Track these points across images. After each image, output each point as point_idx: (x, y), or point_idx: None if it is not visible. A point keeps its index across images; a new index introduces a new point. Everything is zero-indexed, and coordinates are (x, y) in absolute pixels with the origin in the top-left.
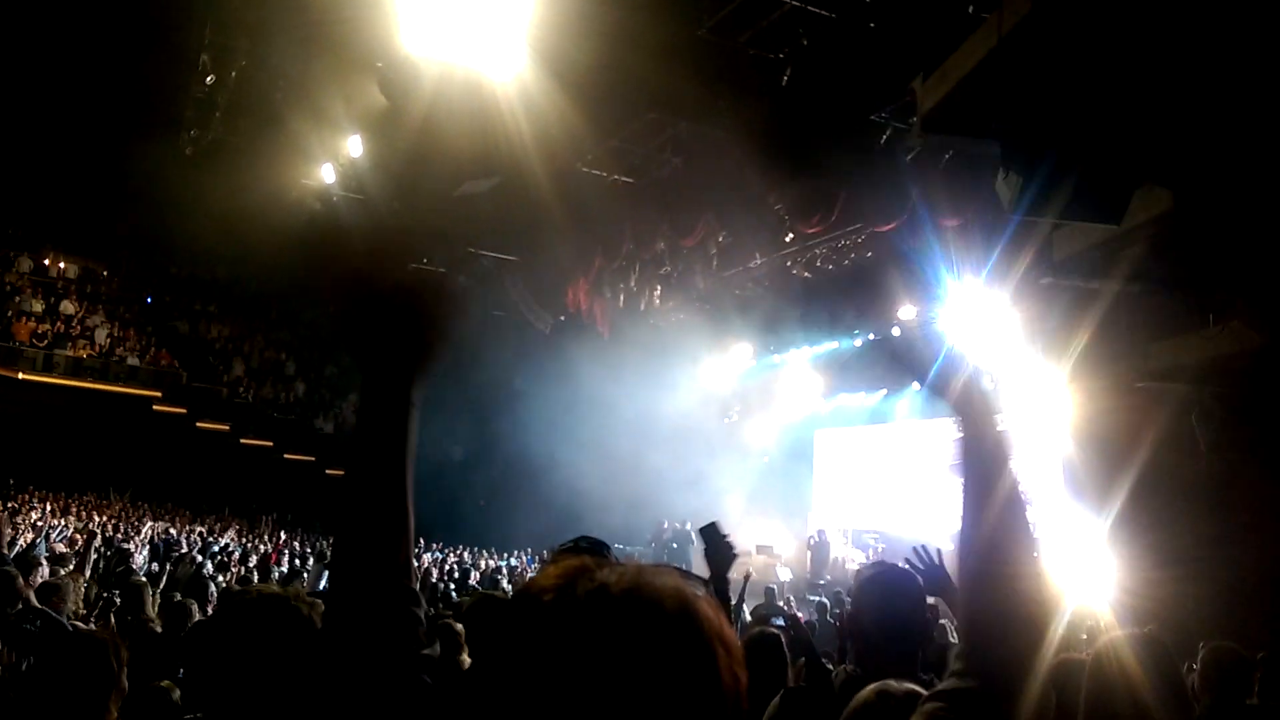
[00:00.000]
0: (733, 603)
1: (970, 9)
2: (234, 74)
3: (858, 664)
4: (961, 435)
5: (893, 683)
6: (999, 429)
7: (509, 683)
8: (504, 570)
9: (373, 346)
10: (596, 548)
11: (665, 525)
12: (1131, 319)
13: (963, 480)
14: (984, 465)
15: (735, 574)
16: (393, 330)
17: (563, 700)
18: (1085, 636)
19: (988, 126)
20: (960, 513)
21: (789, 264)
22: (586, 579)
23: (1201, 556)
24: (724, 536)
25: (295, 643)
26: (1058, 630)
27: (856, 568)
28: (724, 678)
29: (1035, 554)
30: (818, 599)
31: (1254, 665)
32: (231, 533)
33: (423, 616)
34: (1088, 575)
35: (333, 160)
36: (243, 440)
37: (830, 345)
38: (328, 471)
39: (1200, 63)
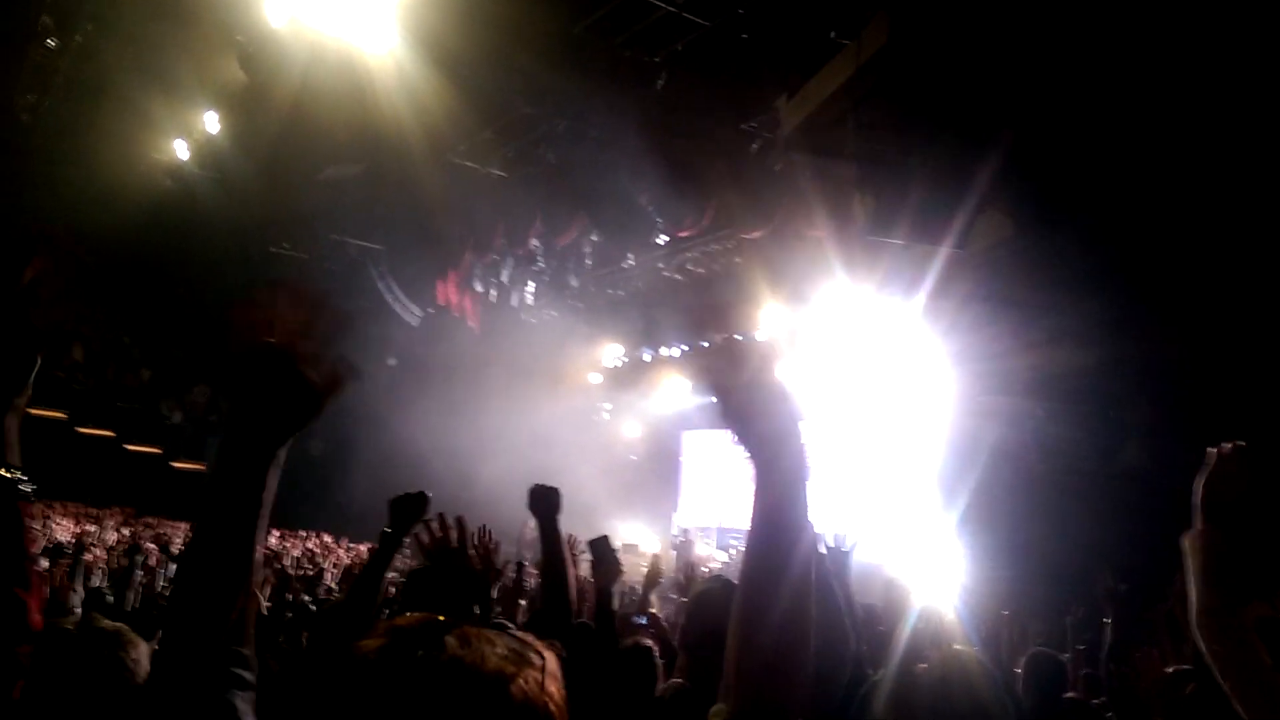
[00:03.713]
0: (615, 608)
1: (831, 34)
2: (78, 39)
3: (687, 677)
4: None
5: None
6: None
7: None
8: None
9: (248, 404)
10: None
11: (530, 524)
12: (976, 334)
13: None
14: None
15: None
16: (274, 393)
17: None
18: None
19: (844, 150)
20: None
21: (661, 266)
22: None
23: (1036, 555)
24: (613, 551)
25: (107, 691)
26: (906, 628)
27: (717, 567)
28: None
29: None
30: (678, 598)
31: (1067, 667)
32: (68, 526)
33: (251, 679)
34: (939, 571)
35: (186, 135)
36: (80, 429)
37: (699, 346)
38: (174, 464)
39: (1043, 97)
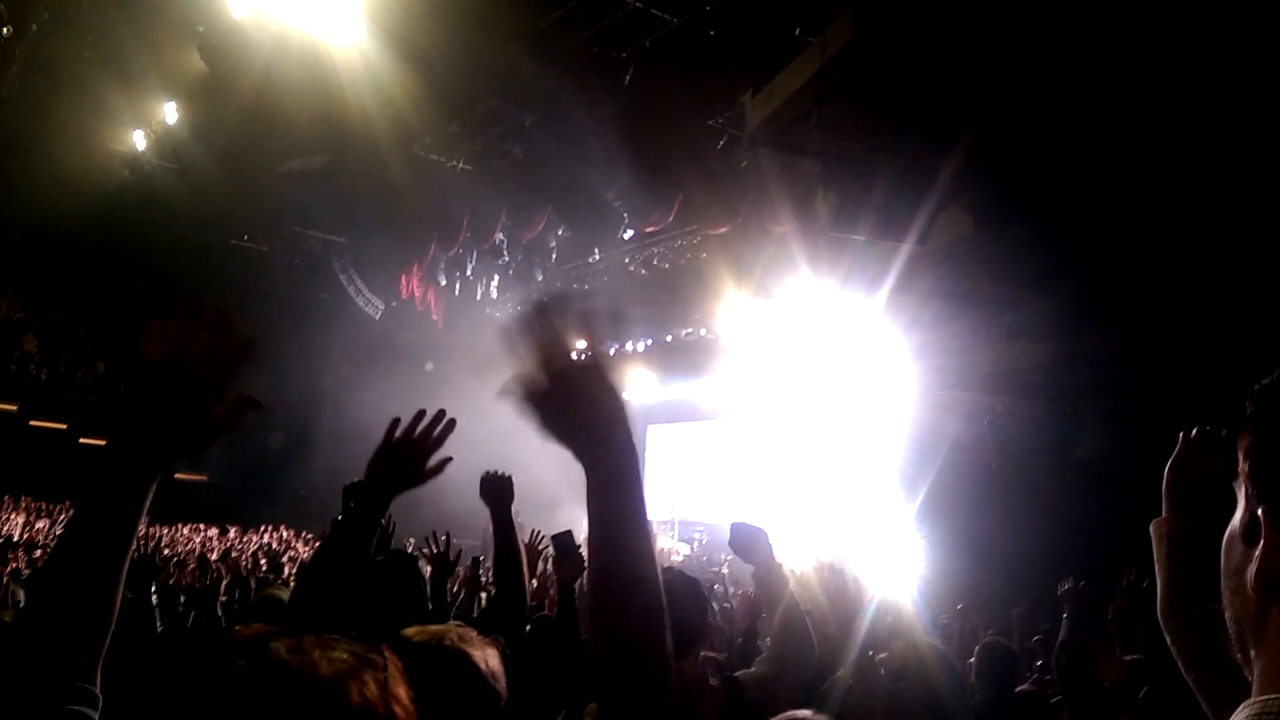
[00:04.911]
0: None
1: (796, 32)
2: (34, 27)
3: None
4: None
5: (804, 713)
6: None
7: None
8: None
9: (139, 427)
10: (404, 562)
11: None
12: (937, 330)
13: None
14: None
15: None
16: (168, 421)
17: None
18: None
19: (809, 146)
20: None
21: (627, 260)
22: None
23: (992, 547)
24: (576, 547)
25: None
26: (865, 620)
27: (680, 559)
28: None
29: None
30: None
31: (1019, 656)
32: (18, 520)
33: (93, 715)
34: (898, 562)
35: (145, 126)
36: (33, 422)
37: (664, 340)
38: None
39: (1004, 96)
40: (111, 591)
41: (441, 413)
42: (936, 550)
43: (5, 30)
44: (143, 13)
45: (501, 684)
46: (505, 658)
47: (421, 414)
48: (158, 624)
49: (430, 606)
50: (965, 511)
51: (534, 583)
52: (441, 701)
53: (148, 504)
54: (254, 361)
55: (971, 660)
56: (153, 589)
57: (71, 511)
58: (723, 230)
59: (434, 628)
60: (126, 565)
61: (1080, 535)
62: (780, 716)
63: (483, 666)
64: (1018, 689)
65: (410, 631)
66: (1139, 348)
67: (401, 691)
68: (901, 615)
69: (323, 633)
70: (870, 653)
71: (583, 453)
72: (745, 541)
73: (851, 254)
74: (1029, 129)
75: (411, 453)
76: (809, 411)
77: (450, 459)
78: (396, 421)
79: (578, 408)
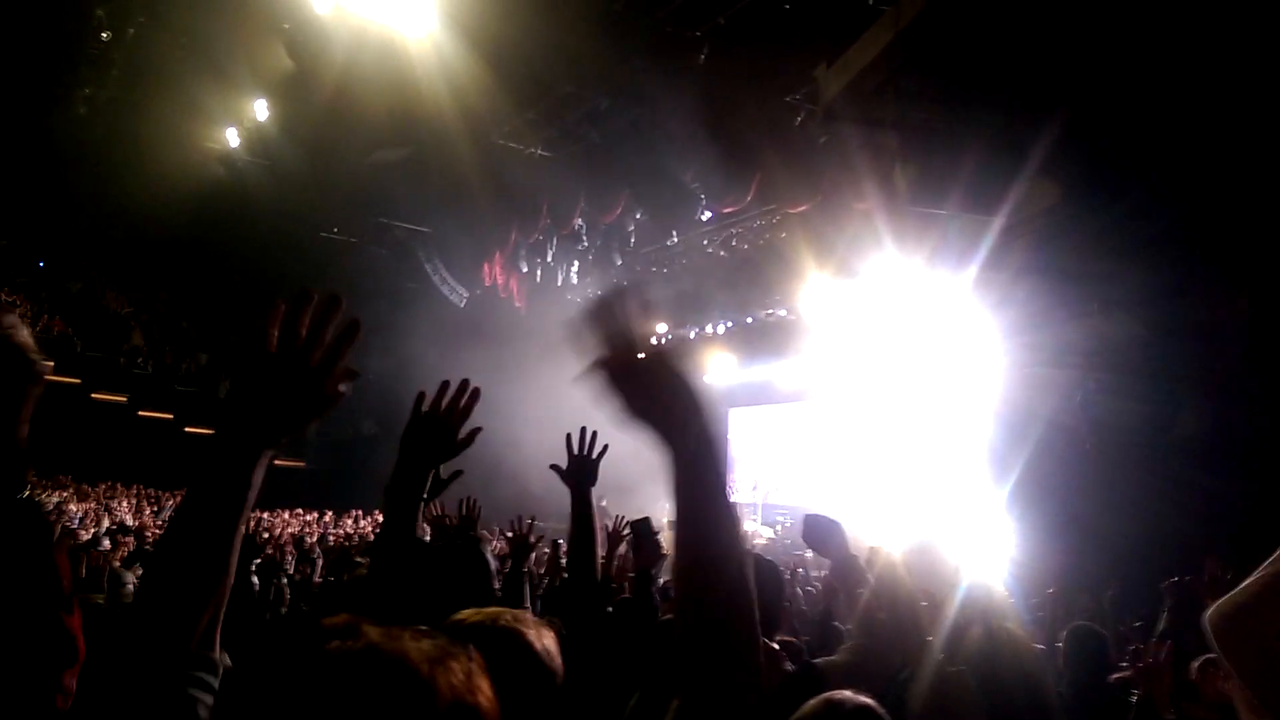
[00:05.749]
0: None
1: (870, 1)
2: (131, 31)
3: None
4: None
5: (844, 693)
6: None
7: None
8: None
9: (252, 403)
10: (468, 546)
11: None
12: (1026, 306)
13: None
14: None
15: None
16: (282, 396)
17: None
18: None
19: (885, 119)
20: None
21: (705, 242)
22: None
23: (1088, 529)
24: (654, 534)
25: None
26: (955, 604)
27: (763, 543)
28: None
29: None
30: None
31: (1113, 640)
32: (126, 506)
33: (214, 683)
34: (989, 545)
35: (237, 123)
36: (141, 413)
37: (744, 322)
38: None
39: (1091, 63)
40: (225, 558)
41: (465, 382)
42: (1028, 533)
43: (105, 35)
44: (232, 12)
45: (557, 662)
46: (561, 638)
47: (446, 385)
48: (257, 602)
49: (498, 588)
50: (1058, 493)
51: (615, 564)
52: (498, 678)
53: (261, 474)
54: (357, 340)
55: (1059, 644)
56: (252, 568)
57: (179, 498)
58: (803, 208)
59: (489, 610)
60: (240, 533)
61: (1179, 517)
62: (821, 696)
63: (537, 645)
64: (1115, 675)
65: (465, 614)
66: (1240, 320)
67: (485, 684)
68: (993, 599)
69: (387, 617)
70: (959, 635)
71: (663, 435)
72: (819, 535)
73: (938, 230)
74: (1123, 95)
75: (442, 425)
76: (895, 392)
77: (480, 429)
78: (422, 395)
79: (656, 392)
